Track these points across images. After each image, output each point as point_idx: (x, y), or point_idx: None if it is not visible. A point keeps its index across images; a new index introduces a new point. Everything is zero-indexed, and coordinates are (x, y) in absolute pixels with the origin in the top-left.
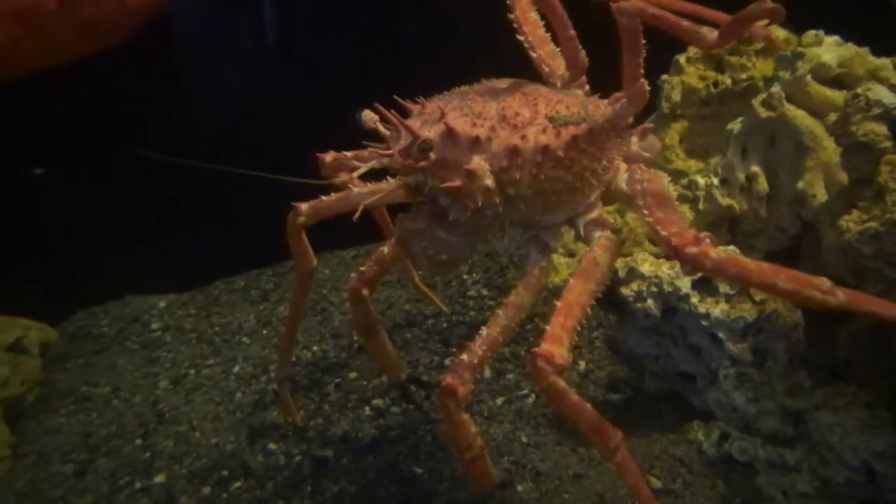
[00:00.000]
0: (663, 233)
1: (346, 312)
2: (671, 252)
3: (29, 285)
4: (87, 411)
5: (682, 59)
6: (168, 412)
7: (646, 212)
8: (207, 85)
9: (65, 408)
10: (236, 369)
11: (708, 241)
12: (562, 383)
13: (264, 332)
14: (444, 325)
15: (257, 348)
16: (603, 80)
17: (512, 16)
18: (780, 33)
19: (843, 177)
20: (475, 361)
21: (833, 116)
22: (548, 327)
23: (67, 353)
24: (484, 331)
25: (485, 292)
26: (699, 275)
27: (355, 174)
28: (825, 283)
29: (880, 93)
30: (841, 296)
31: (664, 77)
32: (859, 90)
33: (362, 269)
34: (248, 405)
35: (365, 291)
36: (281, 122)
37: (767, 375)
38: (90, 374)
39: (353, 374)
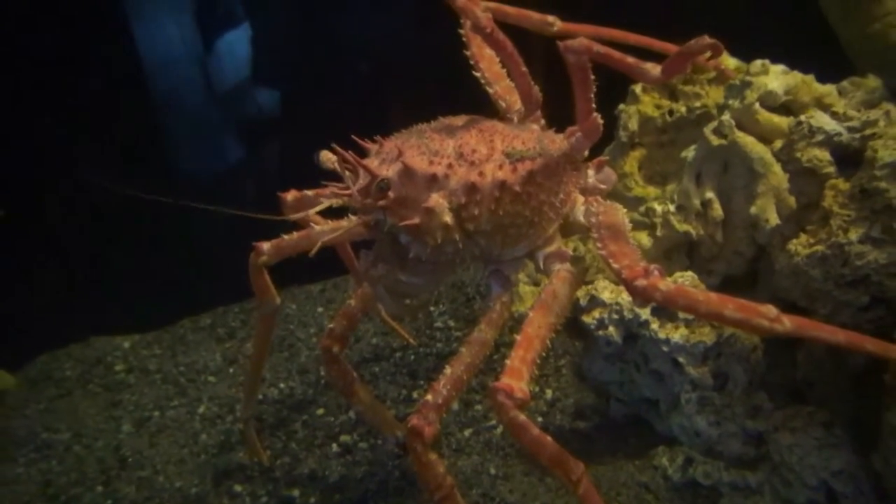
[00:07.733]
0: (615, 265)
1: (312, 348)
2: (622, 284)
3: None
4: (46, 459)
5: (637, 88)
6: (131, 457)
7: (599, 244)
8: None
9: (23, 456)
10: (202, 410)
11: (657, 273)
12: (522, 417)
13: (231, 370)
14: (412, 357)
15: (223, 387)
16: (563, 112)
17: (468, 53)
18: (730, 62)
19: (792, 201)
20: (440, 401)
21: (780, 143)
22: (507, 361)
23: (27, 399)
24: (448, 370)
25: (451, 323)
26: None
27: (312, 211)
28: (771, 311)
29: (822, 120)
30: (787, 323)
31: (621, 106)
32: (802, 117)
33: (331, 325)
34: (214, 446)
35: (336, 348)
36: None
37: (728, 398)
38: (51, 420)
39: (320, 411)
